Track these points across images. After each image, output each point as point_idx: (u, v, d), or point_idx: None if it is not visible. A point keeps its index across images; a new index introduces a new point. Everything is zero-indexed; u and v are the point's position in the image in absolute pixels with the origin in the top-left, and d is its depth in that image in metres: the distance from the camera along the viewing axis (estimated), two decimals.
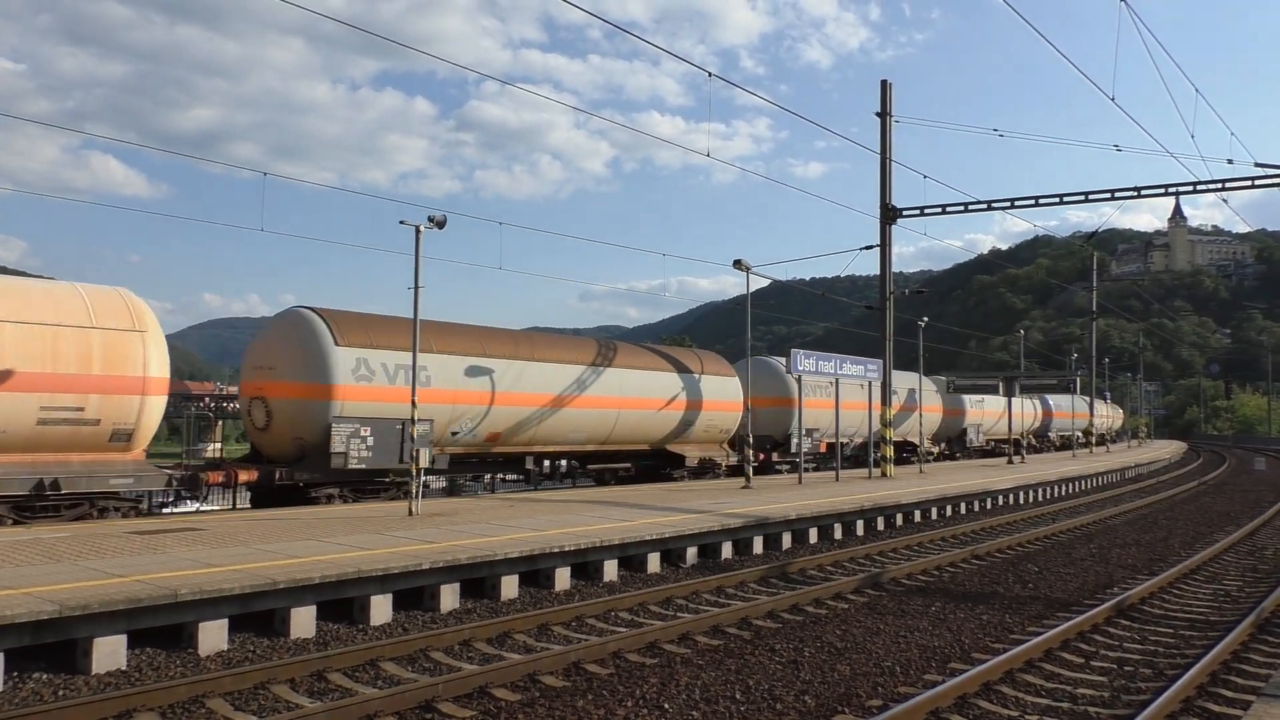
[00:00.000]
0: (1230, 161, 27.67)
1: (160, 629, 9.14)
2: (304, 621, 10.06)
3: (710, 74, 20.46)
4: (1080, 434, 61.44)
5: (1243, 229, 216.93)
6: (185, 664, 8.85)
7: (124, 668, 8.61)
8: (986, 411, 49.11)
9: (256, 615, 9.89)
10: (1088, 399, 62.77)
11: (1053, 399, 60.62)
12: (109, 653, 8.57)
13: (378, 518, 15.69)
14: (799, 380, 27.33)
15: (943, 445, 45.14)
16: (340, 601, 10.61)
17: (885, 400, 30.12)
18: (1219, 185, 27.77)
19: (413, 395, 16.69)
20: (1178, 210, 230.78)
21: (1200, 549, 17.85)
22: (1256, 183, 27.23)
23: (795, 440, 28.98)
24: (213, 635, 9.30)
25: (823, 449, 30.26)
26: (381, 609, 10.79)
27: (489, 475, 23.71)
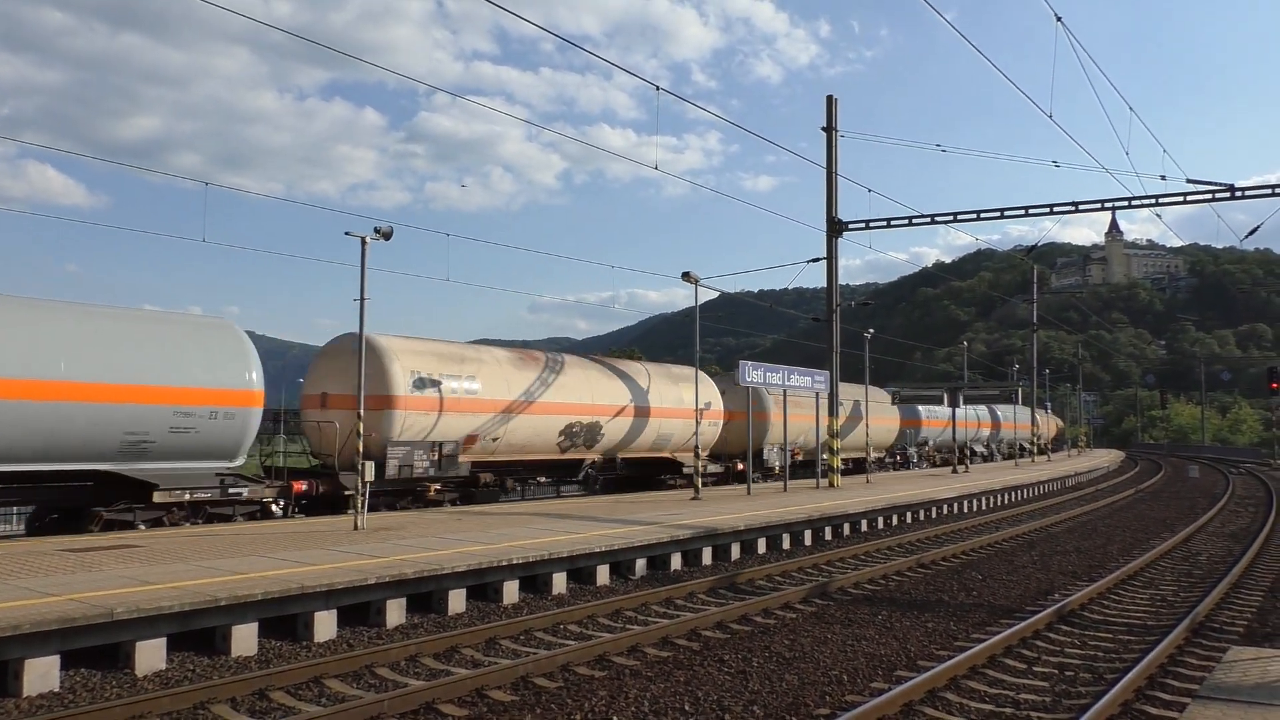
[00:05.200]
0: (1163, 178, 28.43)
1: (95, 649, 8.89)
2: (245, 639, 9.85)
3: (659, 88, 20.58)
4: (976, 448, 58.09)
5: (1176, 243, 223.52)
6: (121, 684, 8.62)
7: (57, 690, 8.36)
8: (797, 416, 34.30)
9: (196, 633, 9.67)
10: (984, 410, 59.73)
11: (940, 408, 53.56)
12: (41, 674, 8.31)
13: (322, 533, 15.45)
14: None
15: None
16: (283, 618, 10.42)
17: (832, 411, 30.41)
18: (1153, 200, 28.52)
19: (359, 407, 16.49)
20: (1114, 225, 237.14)
21: (1138, 555, 18.26)
22: (1188, 198, 28.00)
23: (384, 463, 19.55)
24: (150, 654, 9.07)
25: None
26: (326, 625, 10.61)
27: None
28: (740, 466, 29.97)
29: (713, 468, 29.73)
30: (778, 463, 29.70)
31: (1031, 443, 61.73)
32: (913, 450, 47.50)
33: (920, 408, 49.61)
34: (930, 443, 50.86)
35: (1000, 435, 61.80)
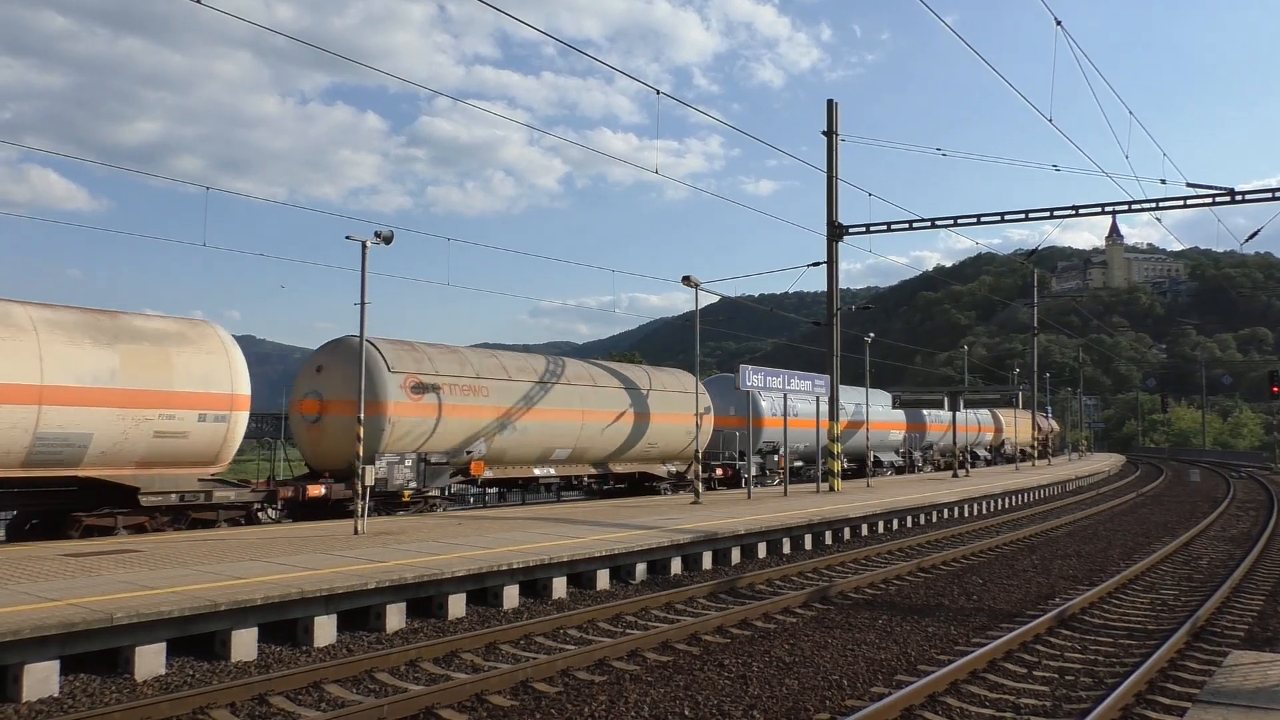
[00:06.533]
0: (1164, 181, 28.45)
1: (95, 654, 8.89)
2: (245, 644, 9.85)
3: (659, 92, 20.60)
4: (882, 456, 45.21)
5: (1176, 247, 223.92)
6: (121, 690, 8.62)
7: (56, 695, 8.36)
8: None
9: (196, 638, 9.67)
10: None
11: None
12: (40, 680, 8.31)
13: (322, 537, 15.45)
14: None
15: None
16: (283, 623, 10.41)
17: (833, 416, 30.41)
18: (1153, 204, 28.55)
19: (359, 410, 16.49)
20: (1114, 229, 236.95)
21: (1138, 559, 18.24)
22: (1188, 202, 28.05)
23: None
24: (150, 660, 9.07)
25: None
26: (326, 630, 10.61)
27: None
28: (317, 491, 18.65)
29: (221, 493, 17.12)
30: (399, 481, 20.05)
31: (990, 447, 54.24)
32: (753, 461, 29.28)
33: (763, 402, 31.82)
34: (778, 450, 32.80)
35: (927, 439, 49.67)
